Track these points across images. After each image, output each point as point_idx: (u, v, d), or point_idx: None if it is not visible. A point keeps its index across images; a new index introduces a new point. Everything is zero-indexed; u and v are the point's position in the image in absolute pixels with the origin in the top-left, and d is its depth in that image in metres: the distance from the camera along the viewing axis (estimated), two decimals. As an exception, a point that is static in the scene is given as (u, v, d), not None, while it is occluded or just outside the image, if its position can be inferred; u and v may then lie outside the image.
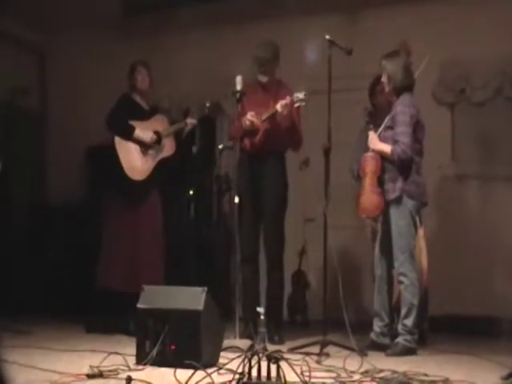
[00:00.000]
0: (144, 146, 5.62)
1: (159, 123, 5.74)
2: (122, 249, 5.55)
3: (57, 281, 6.84)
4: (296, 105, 5.11)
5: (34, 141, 7.89)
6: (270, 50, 5.34)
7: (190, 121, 5.73)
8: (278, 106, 5.14)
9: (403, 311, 4.84)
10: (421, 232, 5.18)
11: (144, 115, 5.73)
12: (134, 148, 5.60)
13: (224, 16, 7.23)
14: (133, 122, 5.62)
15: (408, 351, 4.75)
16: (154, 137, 5.62)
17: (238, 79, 5.05)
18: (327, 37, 4.94)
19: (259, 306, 4.94)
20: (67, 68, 7.88)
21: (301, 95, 5.05)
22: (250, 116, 5.26)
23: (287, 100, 5.11)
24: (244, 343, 4.43)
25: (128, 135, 5.57)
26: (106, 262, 5.60)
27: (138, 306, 4.13)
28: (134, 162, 5.58)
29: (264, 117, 5.24)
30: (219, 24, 7.28)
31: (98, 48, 7.72)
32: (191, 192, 5.73)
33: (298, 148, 5.49)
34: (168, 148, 5.70)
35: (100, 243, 5.63)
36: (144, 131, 5.61)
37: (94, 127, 5.84)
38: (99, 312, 5.73)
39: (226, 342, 4.38)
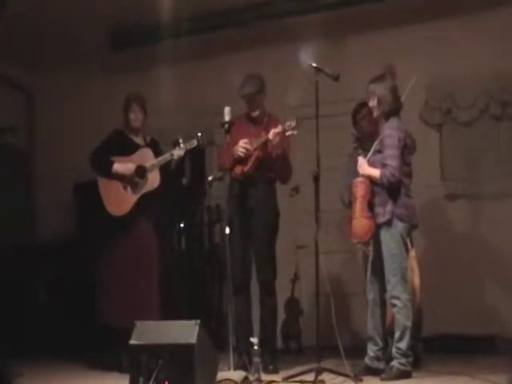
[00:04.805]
0: (125, 181, 5.57)
1: (144, 157, 5.66)
2: (116, 284, 5.52)
3: (46, 320, 6.83)
4: (288, 133, 5.13)
5: (22, 179, 7.88)
6: (255, 84, 5.37)
7: (177, 152, 5.58)
8: (270, 134, 5.16)
9: (397, 334, 4.84)
10: (412, 253, 5.22)
11: (134, 151, 5.69)
12: (114, 183, 5.56)
13: (209, 47, 7.29)
14: (116, 158, 5.58)
15: (403, 374, 4.75)
16: (133, 169, 5.55)
17: (227, 110, 5.06)
18: (313, 64, 4.98)
19: (252, 335, 4.97)
20: (55, 106, 7.95)
21: (293, 123, 5.08)
22: (242, 144, 5.28)
23: (279, 129, 5.14)
24: (238, 374, 4.42)
25: (107, 171, 5.54)
26: (104, 298, 5.58)
27: (131, 342, 4.12)
28: (115, 197, 5.54)
29: (256, 144, 5.27)
30: (205, 56, 7.35)
31: (85, 85, 7.81)
32: (182, 224, 5.72)
33: (286, 180, 5.51)
34: (152, 181, 5.59)
35: (93, 280, 5.60)
36: (124, 165, 5.56)
37: (81, 164, 5.84)
38: (90, 349, 5.72)
39: (220, 375, 4.37)
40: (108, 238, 5.63)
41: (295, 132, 5.12)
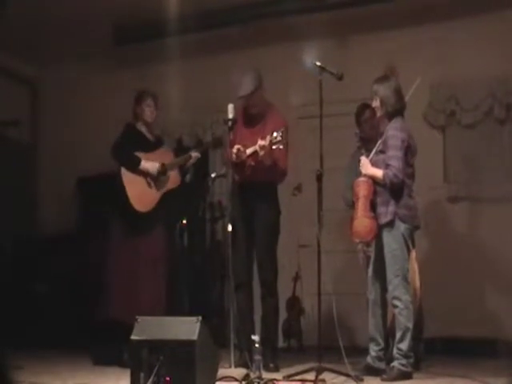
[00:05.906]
0: (150, 178, 5.61)
1: (165, 155, 5.74)
2: (123, 280, 5.52)
3: (45, 312, 6.84)
4: (274, 147, 5.06)
5: (25, 172, 7.90)
6: (249, 84, 5.29)
7: (195, 154, 5.76)
8: (257, 147, 5.12)
9: (398, 335, 4.83)
10: (413, 254, 5.20)
11: (149, 147, 5.73)
12: (139, 179, 5.59)
13: (213, 44, 7.29)
14: (138, 154, 5.61)
15: (404, 375, 4.73)
16: (160, 168, 5.61)
17: (230, 107, 5.04)
18: (317, 63, 4.97)
19: (254, 333, 4.95)
20: (58, 100, 7.96)
21: (278, 136, 5.02)
22: (235, 150, 5.25)
23: (265, 142, 5.07)
24: (239, 372, 4.42)
25: (134, 166, 5.56)
26: (110, 292, 5.60)
27: (132, 337, 4.10)
28: (140, 192, 5.57)
29: (249, 151, 5.23)
30: (209, 53, 7.34)
31: (89, 79, 7.82)
32: (184, 221, 5.74)
33: (281, 181, 5.48)
34: (173, 180, 5.69)
35: (98, 274, 5.61)
36: (150, 162, 5.60)
37: (84, 158, 5.86)
38: (90, 343, 5.72)
39: (221, 372, 4.37)
40: (121, 232, 5.65)
41: (281, 146, 5.05)
